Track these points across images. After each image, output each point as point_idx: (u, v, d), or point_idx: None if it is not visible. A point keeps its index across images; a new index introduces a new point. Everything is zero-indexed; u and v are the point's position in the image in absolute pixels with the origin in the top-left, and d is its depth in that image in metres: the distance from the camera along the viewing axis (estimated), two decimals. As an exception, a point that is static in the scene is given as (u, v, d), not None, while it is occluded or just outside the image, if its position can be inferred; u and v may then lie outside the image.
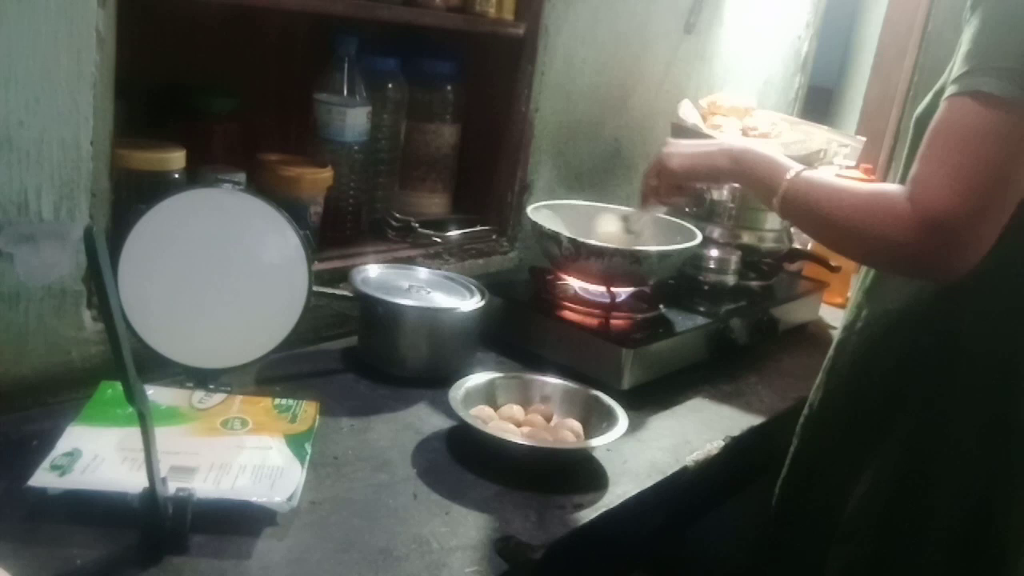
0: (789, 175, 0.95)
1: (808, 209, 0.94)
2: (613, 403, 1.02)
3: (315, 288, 1.00)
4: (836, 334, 1.07)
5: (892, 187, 0.85)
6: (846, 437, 1.02)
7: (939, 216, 0.79)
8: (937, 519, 0.94)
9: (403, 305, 1.09)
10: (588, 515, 0.88)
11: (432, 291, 1.15)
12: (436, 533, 0.81)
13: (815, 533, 1.03)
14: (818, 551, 1.01)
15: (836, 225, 0.90)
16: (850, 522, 0.99)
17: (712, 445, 1.07)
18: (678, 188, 1.17)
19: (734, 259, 1.42)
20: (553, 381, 1.06)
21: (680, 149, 1.14)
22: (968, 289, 0.88)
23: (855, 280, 1.15)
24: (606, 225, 1.34)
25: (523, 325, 1.24)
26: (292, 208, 1.05)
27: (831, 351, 1.06)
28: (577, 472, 0.95)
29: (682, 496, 1.03)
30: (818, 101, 2.29)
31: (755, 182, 1.03)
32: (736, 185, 1.33)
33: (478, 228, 1.45)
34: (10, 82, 0.84)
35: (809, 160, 1.38)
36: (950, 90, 0.81)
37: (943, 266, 0.82)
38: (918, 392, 0.94)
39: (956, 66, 0.82)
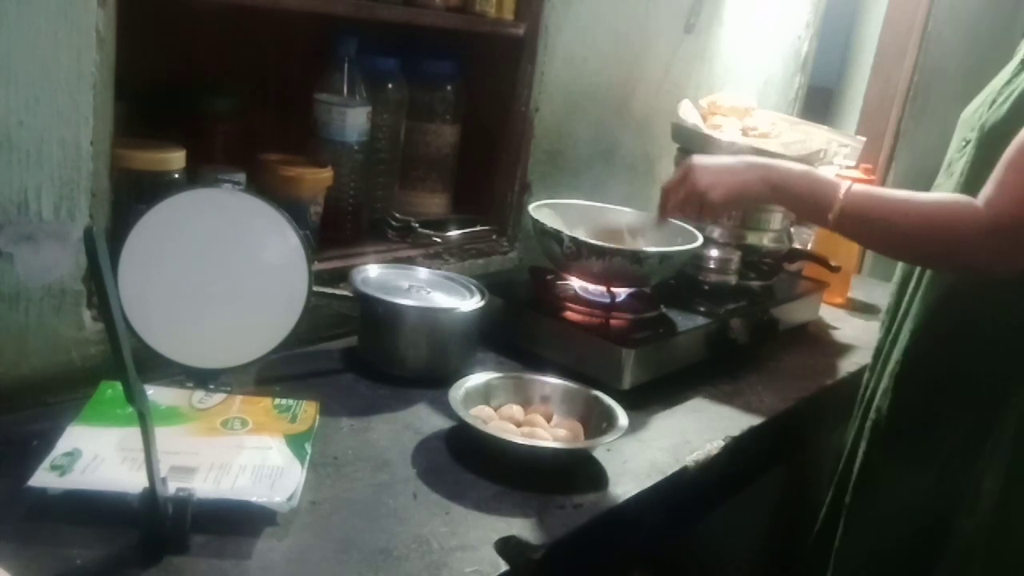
0: (841, 192, 0.98)
1: (872, 221, 0.97)
2: (613, 403, 1.02)
3: (315, 288, 1.00)
4: (906, 337, 1.07)
5: (957, 195, 0.92)
6: (932, 443, 1.03)
7: (1017, 221, 0.85)
8: None
9: (403, 305, 1.09)
10: (588, 515, 0.88)
11: (432, 291, 1.15)
12: (436, 533, 0.81)
13: (879, 535, 1.04)
14: (881, 549, 1.03)
15: (905, 234, 0.95)
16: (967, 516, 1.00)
17: (712, 445, 1.07)
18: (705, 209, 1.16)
19: (734, 259, 1.42)
20: (553, 381, 1.06)
21: (717, 178, 1.11)
22: None
23: (892, 286, 1.15)
24: (608, 225, 1.34)
25: (523, 325, 1.24)
26: (292, 208, 1.05)
27: (903, 355, 1.06)
28: (577, 472, 0.95)
29: (682, 496, 1.02)
30: (818, 101, 2.29)
31: (800, 204, 1.05)
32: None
33: (478, 228, 1.45)
34: (10, 82, 0.84)
35: (809, 160, 1.37)
36: None
37: (1009, 267, 0.88)
38: None
39: None
